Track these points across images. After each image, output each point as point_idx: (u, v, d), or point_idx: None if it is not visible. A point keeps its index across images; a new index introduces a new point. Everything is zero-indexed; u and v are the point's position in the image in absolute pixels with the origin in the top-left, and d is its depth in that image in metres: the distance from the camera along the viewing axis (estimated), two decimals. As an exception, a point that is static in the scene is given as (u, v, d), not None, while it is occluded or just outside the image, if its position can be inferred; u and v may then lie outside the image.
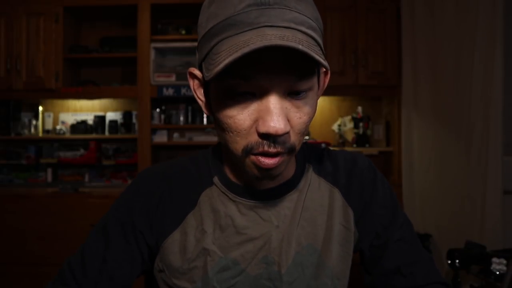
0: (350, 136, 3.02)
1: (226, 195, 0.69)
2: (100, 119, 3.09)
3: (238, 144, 0.58)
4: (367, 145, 2.99)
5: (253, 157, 0.58)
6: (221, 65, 0.50)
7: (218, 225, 0.68)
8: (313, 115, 0.61)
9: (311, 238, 0.69)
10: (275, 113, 0.54)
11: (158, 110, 2.96)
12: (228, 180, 0.70)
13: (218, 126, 0.61)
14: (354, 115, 3.00)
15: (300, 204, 0.70)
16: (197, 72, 0.64)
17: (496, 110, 2.11)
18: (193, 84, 0.65)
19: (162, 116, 2.96)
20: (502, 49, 2.10)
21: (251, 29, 0.52)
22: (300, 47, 0.49)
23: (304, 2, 0.56)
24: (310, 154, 0.75)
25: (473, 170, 2.21)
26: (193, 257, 0.67)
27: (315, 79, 0.58)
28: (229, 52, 0.50)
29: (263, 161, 0.58)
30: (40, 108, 3.14)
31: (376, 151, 2.98)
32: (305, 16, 0.55)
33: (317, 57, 0.50)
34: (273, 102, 0.54)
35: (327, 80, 0.67)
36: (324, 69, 0.65)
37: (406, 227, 0.74)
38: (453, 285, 1.95)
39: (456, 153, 2.34)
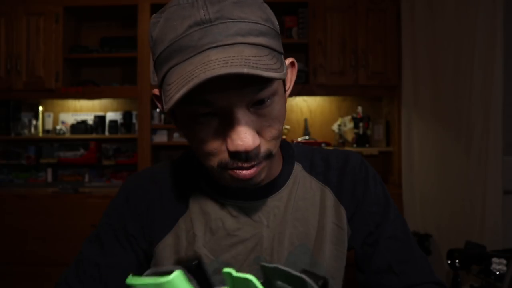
0: (350, 136, 3.02)
1: (215, 198, 0.68)
2: (100, 119, 3.09)
3: (212, 161, 0.58)
4: (367, 145, 2.98)
5: (230, 172, 0.58)
6: (172, 102, 0.48)
7: (208, 228, 0.67)
8: (284, 117, 0.59)
9: (303, 238, 0.69)
10: (241, 130, 0.53)
11: (158, 110, 2.95)
12: (214, 183, 0.69)
13: (191, 146, 0.60)
14: (354, 115, 3.00)
15: (291, 203, 0.69)
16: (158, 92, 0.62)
17: (496, 110, 2.12)
18: (161, 105, 0.62)
19: (162, 116, 2.95)
20: (502, 49, 2.10)
21: (196, 54, 0.50)
22: (245, 70, 0.46)
23: (249, 6, 0.53)
24: (300, 153, 0.74)
25: (473, 170, 2.21)
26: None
27: (277, 83, 0.56)
28: (177, 86, 0.49)
29: (241, 174, 0.57)
30: (40, 108, 3.14)
31: (376, 151, 2.98)
32: (252, 22, 0.52)
33: (266, 73, 0.48)
34: (238, 119, 0.53)
35: (295, 72, 0.64)
36: (291, 60, 0.63)
37: (398, 224, 0.73)
38: (453, 285, 1.95)
39: (456, 153, 2.34)
